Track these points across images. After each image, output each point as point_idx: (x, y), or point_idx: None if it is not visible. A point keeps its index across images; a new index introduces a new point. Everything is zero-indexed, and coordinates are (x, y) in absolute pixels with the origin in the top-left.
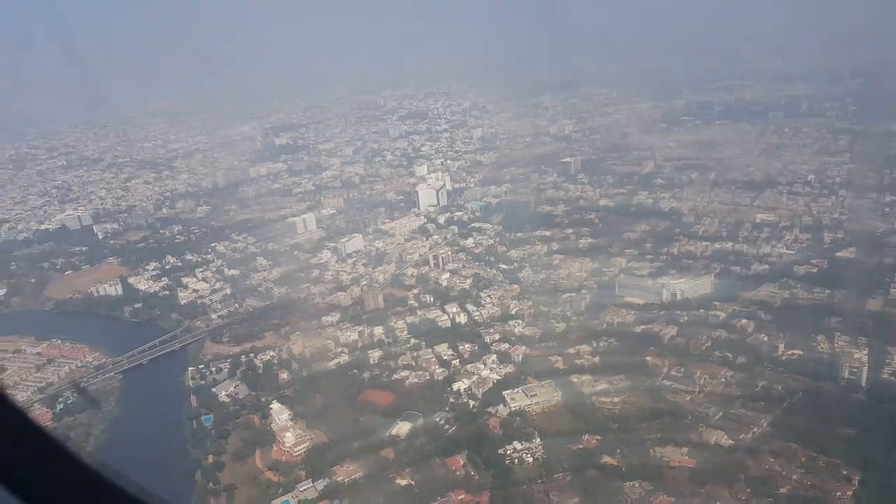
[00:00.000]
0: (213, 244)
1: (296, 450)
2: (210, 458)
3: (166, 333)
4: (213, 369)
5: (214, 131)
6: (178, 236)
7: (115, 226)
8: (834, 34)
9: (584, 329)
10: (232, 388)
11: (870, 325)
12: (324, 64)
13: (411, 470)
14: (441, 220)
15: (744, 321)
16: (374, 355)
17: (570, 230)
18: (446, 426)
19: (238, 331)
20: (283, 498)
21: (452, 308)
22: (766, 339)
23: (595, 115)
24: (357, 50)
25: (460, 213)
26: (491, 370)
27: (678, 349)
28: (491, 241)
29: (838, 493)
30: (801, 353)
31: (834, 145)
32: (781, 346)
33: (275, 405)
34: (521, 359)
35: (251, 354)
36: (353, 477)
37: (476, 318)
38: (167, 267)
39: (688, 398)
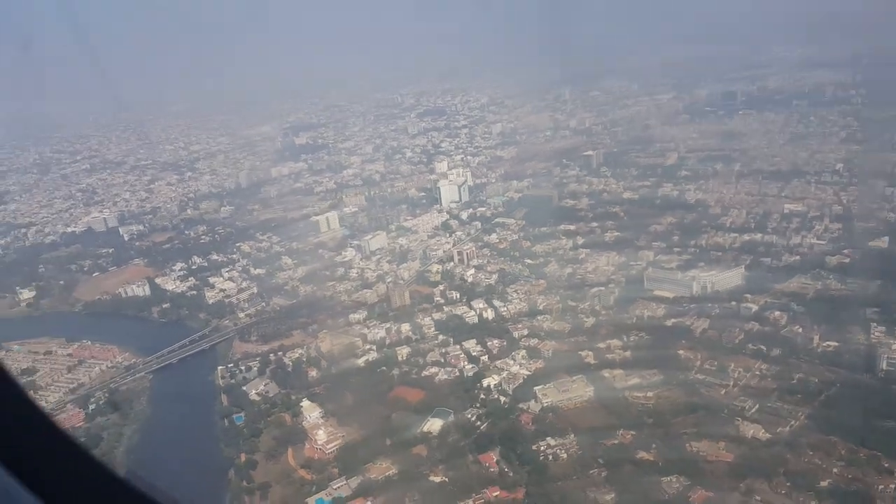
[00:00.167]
0: (238, 244)
1: (328, 447)
2: (243, 457)
3: (195, 333)
4: (243, 368)
5: (235, 132)
6: (202, 237)
7: (141, 227)
8: (856, 20)
9: (614, 323)
10: (262, 387)
11: None
12: (339, 63)
13: (444, 467)
14: (464, 216)
15: (777, 313)
16: (403, 352)
17: (594, 224)
18: (478, 422)
19: (266, 329)
20: (318, 496)
21: (479, 304)
22: (800, 330)
23: (615, 108)
24: (371, 48)
25: (483, 209)
26: (520, 366)
27: (710, 342)
28: (515, 237)
29: (880, 487)
30: (837, 344)
31: (861, 133)
32: (816, 338)
33: (305, 403)
34: (550, 354)
35: (280, 353)
36: (386, 474)
37: (503, 313)
38: (193, 267)
39: (722, 392)
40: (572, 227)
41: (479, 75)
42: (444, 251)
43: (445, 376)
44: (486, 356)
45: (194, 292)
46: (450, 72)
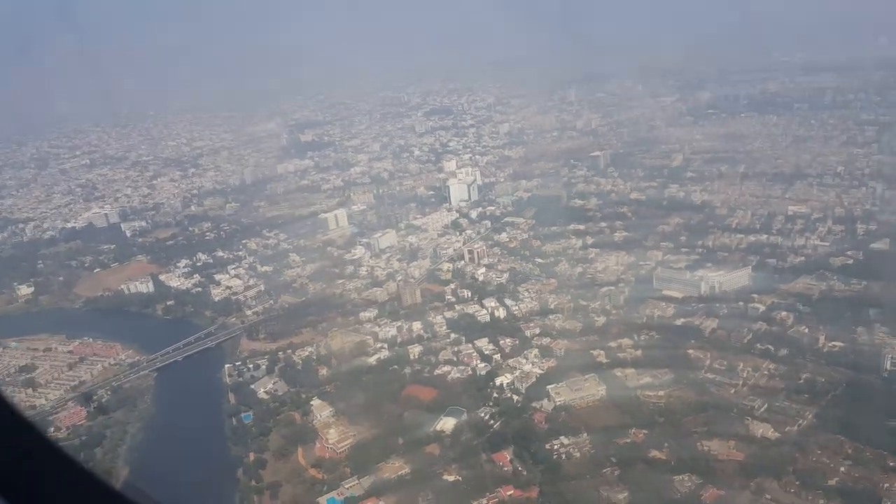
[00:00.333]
0: (244, 241)
1: (339, 447)
2: (252, 456)
3: (200, 331)
4: (251, 366)
5: (239, 129)
6: (207, 233)
7: (143, 223)
8: (856, 25)
9: (625, 322)
10: (271, 385)
11: None
12: (344, 61)
13: (458, 466)
14: (473, 214)
15: (783, 313)
16: (414, 351)
17: (603, 224)
18: (491, 421)
19: (274, 327)
20: (329, 495)
21: (490, 302)
22: (806, 331)
23: (620, 109)
24: (376, 46)
25: (492, 208)
26: (533, 364)
27: (720, 342)
28: (525, 236)
29: (886, 485)
30: (843, 344)
31: (861, 137)
32: (822, 338)
33: (315, 402)
34: (562, 353)
35: (289, 351)
36: (399, 473)
37: (515, 312)
38: (198, 264)
39: (732, 391)
40: (581, 227)
41: (484, 75)
42: (454, 250)
43: (458, 375)
44: (499, 355)
45: (199, 289)
46: (455, 71)
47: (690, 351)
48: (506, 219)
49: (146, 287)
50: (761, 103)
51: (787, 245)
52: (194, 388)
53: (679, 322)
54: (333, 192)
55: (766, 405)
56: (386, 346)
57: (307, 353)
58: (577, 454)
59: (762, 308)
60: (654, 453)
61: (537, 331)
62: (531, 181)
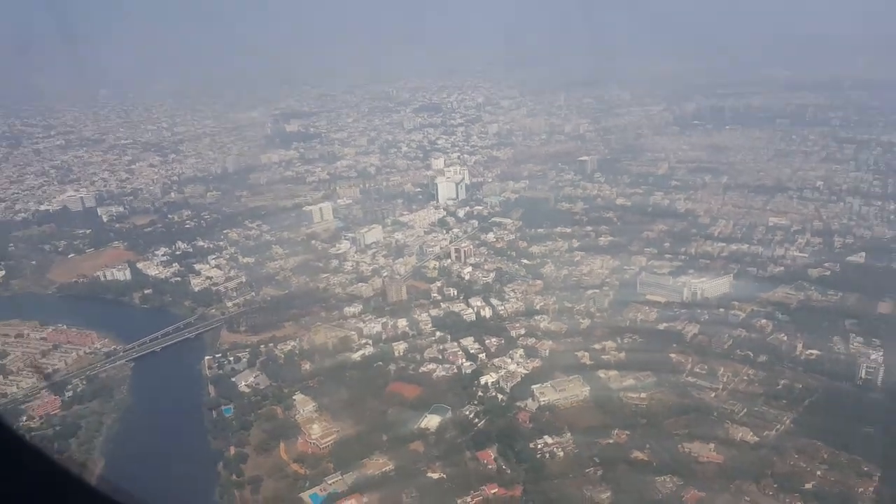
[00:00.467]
0: (225, 231)
1: (322, 442)
2: (232, 450)
3: (179, 321)
4: (231, 359)
5: (221, 116)
6: (187, 221)
7: (121, 209)
8: (837, 44)
9: (609, 325)
10: (252, 379)
11: (883, 328)
12: (332, 52)
13: (442, 463)
14: (460, 213)
15: (762, 321)
16: (399, 347)
17: (589, 228)
18: (476, 420)
19: (256, 320)
20: (311, 491)
21: (476, 301)
22: (784, 338)
23: (608, 116)
24: (366, 40)
25: (479, 208)
26: (518, 364)
27: (701, 347)
28: (512, 237)
29: (860, 489)
30: (819, 352)
31: (840, 154)
32: (800, 346)
33: (298, 396)
34: (547, 353)
35: (270, 344)
36: (383, 470)
37: (500, 312)
38: (177, 253)
39: (712, 395)
40: (568, 230)
41: (475, 75)
42: (440, 248)
43: (443, 373)
44: (484, 354)
45: (178, 279)
46: (451, 70)
47: (672, 355)
48: (493, 219)
49: (123, 274)
50: (745, 117)
51: (767, 255)
52: (173, 379)
53: (662, 326)
54: (318, 184)
55: (745, 409)
56: (370, 342)
57: (289, 347)
58: (561, 454)
59: (742, 315)
60: (637, 454)
61: (523, 331)
62: (519, 182)
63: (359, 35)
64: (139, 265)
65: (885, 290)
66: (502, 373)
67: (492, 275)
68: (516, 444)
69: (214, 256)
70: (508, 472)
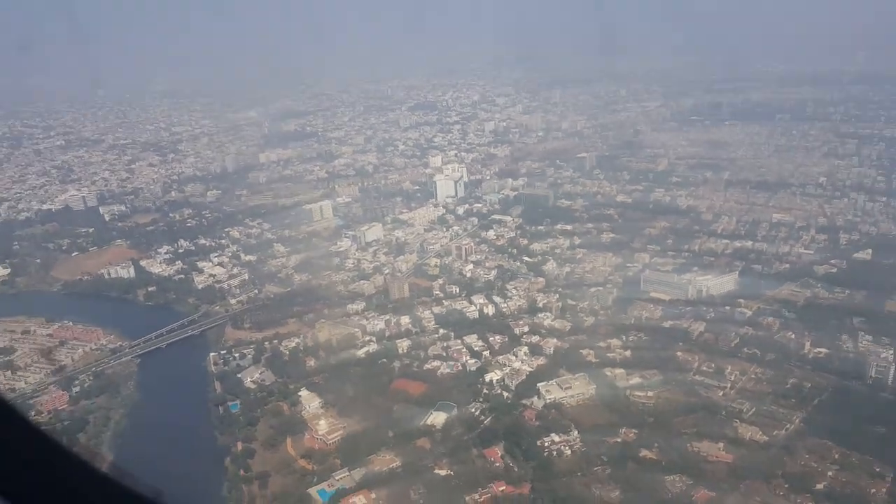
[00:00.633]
0: (226, 229)
1: (329, 438)
2: (239, 446)
3: (184, 318)
4: (237, 355)
5: (219, 115)
6: (189, 220)
7: (122, 208)
8: (836, 39)
9: (613, 323)
10: (257, 375)
11: (892, 326)
12: (328, 52)
13: (449, 460)
14: (460, 211)
15: (769, 319)
16: (403, 345)
17: (590, 225)
18: (482, 417)
19: (260, 317)
20: (319, 487)
21: (479, 299)
22: (792, 336)
23: (606, 112)
24: (362, 40)
25: (479, 205)
26: (523, 362)
27: (707, 345)
28: (512, 234)
29: (872, 490)
30: (828, 351)
31: (841, 149)
32: (808, 344)
33: (304, 392)
34: (552, 351)
35: (275, 341)
36: (390, 466)
37: (503, 309)
38: (180, 251)
39: (720, 394)
40: (568, 227)
41: (470, 72)
42: (441, 245)
43: (448, 370)
44: (488, 351)
45: (182, 276)
46: (443, 67)
47: (679, 353)
48: (493, 216)
49: (127, 272)
50: (744, 112)
51: (771, 252)
52: (179, 375)
53: (667, 324)
54: (317, 183)
55: (753, 409)
56: (374, 339)
57: (294, 344)
58: (568, 452)
59: (748, 313)
60: (645, 453)
61: (526, 329)
62: (517, 180)
63: (358, 35)
64: (142, 263)
65: (893, 287)
66: (507, 370)
67: (493, 272)
68: (523, 441)
69: (217, 254)
70: (516, 469)
